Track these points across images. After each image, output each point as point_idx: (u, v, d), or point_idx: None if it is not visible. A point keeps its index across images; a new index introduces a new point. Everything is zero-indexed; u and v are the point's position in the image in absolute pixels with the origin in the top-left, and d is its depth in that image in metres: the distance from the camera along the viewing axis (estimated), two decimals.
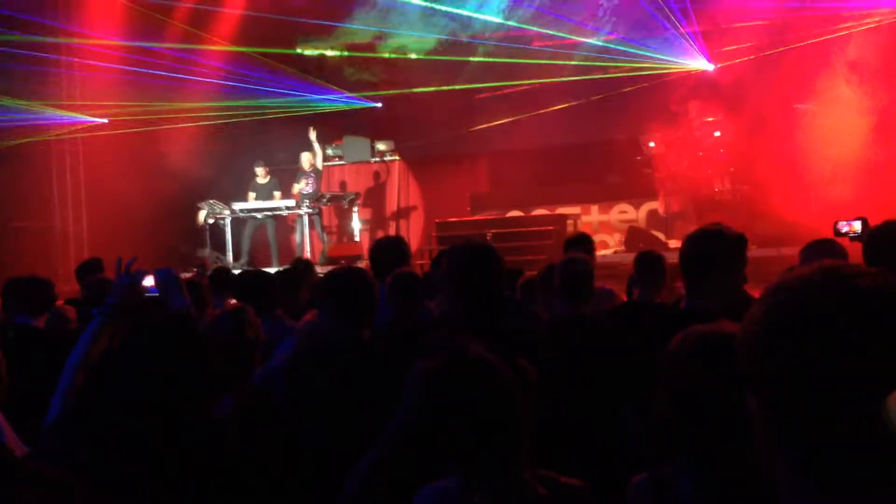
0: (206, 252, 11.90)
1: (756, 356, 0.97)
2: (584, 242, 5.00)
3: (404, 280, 3.35)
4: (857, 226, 3.94)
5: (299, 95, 12.84)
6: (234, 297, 4.32)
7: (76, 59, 12.39)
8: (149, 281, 2.67)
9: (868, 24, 9.81)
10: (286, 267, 5.95)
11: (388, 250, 4.10)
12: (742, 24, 10.63)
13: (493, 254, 2.80)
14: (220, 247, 11.86)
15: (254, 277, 4.44)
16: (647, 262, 4.52)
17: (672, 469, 1.53)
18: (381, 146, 13.55)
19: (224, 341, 2.60)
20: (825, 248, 3.56)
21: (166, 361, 1.93)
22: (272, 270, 5.84)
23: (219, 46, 12.46)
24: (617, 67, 11.36)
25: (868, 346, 0.89)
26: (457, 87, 12.22)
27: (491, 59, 12.15)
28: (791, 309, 0.96)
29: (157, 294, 2.64)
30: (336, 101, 13.18)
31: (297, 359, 2.74)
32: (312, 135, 11.97)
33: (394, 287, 3.28)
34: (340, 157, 13.78)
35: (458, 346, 1.76)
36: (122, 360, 1.98)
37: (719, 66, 11.04)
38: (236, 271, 6.33)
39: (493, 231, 10.79)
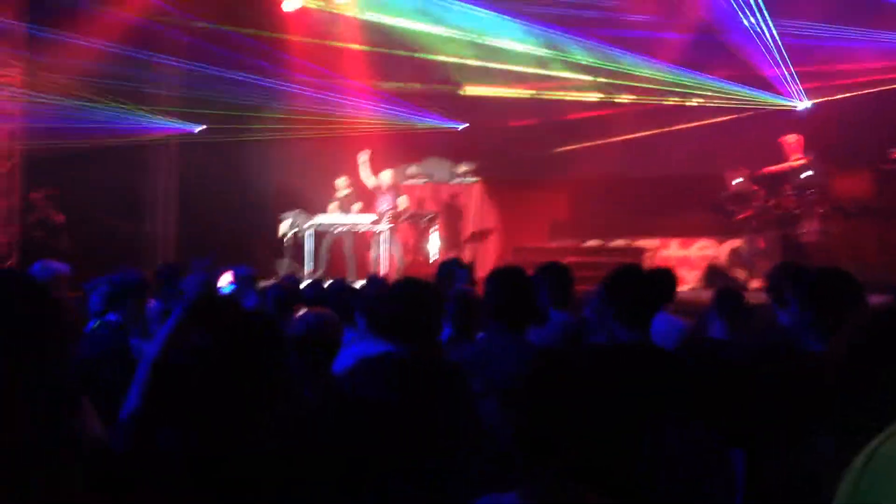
0: (285, 263, 12.12)
1: None
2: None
3: (464, 298, 3.38)
4: None
5: (385, 112, 13.10)
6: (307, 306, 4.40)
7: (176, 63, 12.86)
8: (225, 279, 2.75)
9: None
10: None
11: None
12: (839, 66, 10.39)
13: None
14: (298, 258, 12.08)
15: (336, 288, 4.52)
16: (727, 299, 4.41)
17: None
18: (461, 168, 13.64)
19: (304, 336, 2.65)
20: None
21: (243, 359, 1.96)
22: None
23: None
24: (707, 99, 11.24)
25: None
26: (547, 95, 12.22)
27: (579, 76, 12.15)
28: None
29: (231, 292, 2.71)
30: (420, 120, 13.37)
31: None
32: (363, 158, 12.08)
33: (453, 306, 3.32)
34: (421, 176, 13.93)
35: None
36: (198, 356, 2.03)
37: (812, 104, 10.80)
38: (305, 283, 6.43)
39: (568, 259, 10.69)
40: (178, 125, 13.15)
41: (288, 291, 4.96)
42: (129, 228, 12.67)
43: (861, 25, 10.07)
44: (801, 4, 10.11)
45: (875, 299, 7.64)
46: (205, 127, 13.08)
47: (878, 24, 10.03)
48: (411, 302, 2.74)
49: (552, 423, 1.70)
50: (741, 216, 10.56)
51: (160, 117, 12.95)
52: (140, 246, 12.86)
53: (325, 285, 4.96)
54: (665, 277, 4.91)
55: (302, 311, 3.35)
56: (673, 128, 11.38)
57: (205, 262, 2.81)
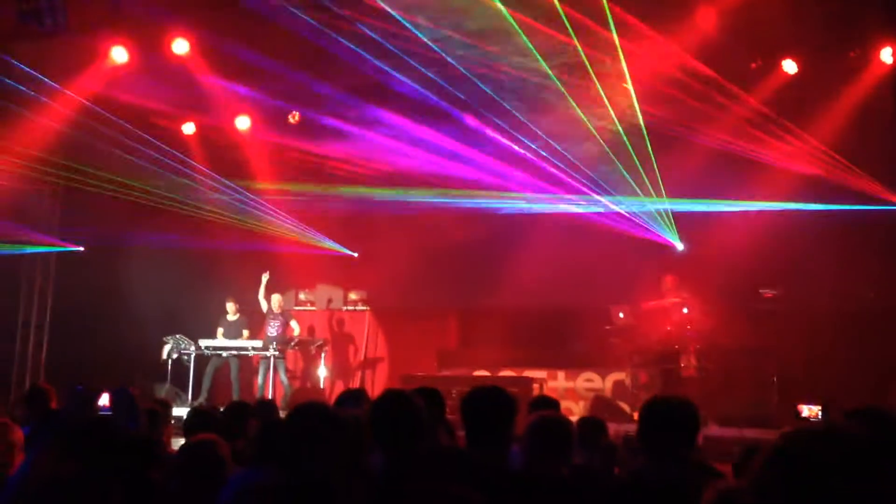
0: (166, 388, 11.65)
1: None
2: (549, 405, 4.97)
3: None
4: (818, 410, 4.00)
5: (280, 230, 13.04)
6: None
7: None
8: (104, 401, 2.64)
9: None
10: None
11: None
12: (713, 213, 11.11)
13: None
14: (181, 383, 11.64)
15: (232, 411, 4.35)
16: (585, 429, 4.46)
17: None
18: (353, 295, 13.63)
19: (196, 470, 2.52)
20: None
21: (122, 484, 1.87)
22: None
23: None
24: (594, 235, 11.66)
25: None
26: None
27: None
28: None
29: (109, 414, 2.60)
30: (318, 238, 13.34)
31: None
32: (265, 278, 12.06)
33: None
34: (312, 303, 13.82)
35: None
36: (76, 484, 1.92)
37: (688, 245, 11.42)
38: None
39: (457, 389, 10.67)
40: (55, 248, 12.70)
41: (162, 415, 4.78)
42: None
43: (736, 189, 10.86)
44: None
45: (749, 433, 7.91)
46: (83, 248, 12.68)
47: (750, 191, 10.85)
48: (302, 428, 2.66)
49: None
50: (625, 349, 10.89)
51: (38, 235, 12.50)
52: (8, 367, 12.15)
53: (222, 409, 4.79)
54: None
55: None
56: (563, 260, 11.69)
57: (82, 384, 2.68)
